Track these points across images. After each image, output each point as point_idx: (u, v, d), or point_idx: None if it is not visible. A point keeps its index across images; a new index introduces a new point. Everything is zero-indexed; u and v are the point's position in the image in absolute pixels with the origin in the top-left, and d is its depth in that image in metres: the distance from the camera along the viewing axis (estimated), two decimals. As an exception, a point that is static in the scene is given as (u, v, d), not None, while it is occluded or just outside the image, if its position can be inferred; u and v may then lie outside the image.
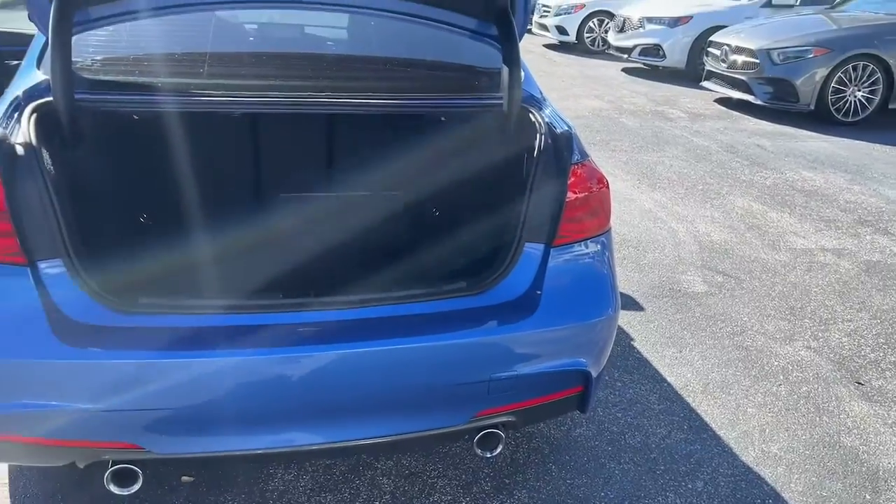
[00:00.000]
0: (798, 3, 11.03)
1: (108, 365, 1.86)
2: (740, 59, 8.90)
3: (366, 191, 3.15)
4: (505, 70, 2.39)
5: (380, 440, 2.14)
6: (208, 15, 2.52)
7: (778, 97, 8.61)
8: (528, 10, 2.51)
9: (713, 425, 2.99)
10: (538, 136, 2.26)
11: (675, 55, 11.15)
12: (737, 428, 2.99)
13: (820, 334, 3.77)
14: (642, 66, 12.14)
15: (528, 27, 3.14)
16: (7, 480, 2.47)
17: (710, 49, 9.75)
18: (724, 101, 9.64)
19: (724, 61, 9.21)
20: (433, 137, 3.20)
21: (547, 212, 2.19)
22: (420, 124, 2.98)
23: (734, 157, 7.01)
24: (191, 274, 2.50)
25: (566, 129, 2.28)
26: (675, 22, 11.14)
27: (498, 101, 2.45)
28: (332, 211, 3.03)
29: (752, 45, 8.77)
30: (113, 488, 2.01)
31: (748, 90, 8.86)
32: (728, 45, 9.17)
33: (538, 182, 2.19)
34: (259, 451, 2.07)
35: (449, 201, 3.09)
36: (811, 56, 8.33)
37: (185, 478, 2.52)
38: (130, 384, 1.88)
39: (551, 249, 2.20)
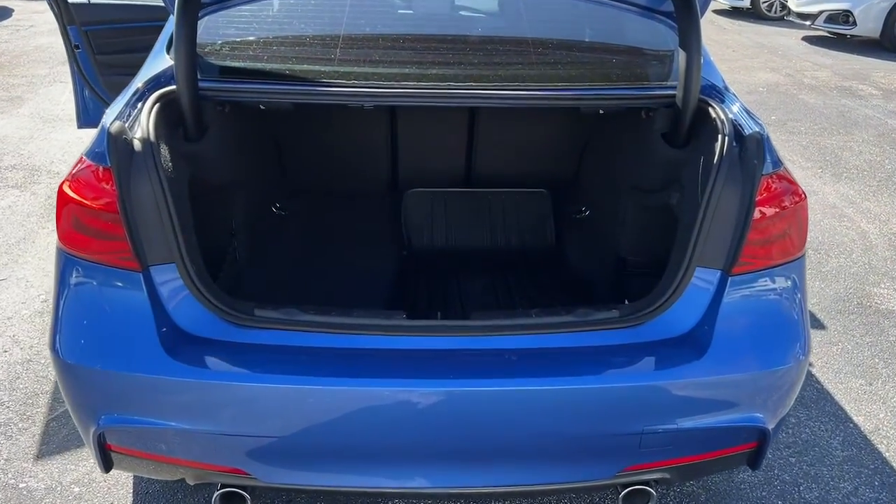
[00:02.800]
0: None
1: (216, 385, 1.70)
2: (952, 27, 7.69)
3: (507, 187, 2.85)
4: (681, 55, 1.99)
5: (511, 489, 1.87)
6: None
7: None
8: (714, -18, 2.08)
9: (913, 485, 2.48)
10: (720, 137, 1.86)
11: (868, 23, 9.86)
12: (945, 491, 2.46)
13: None
14: (827, 34, 10.88)
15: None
16: (132, 474, 2.43)
17: (913, 15, 8.51)
18: (927, 76, 8.43)
19: (930, 30, 8.01)
20: (588, 128, 2.84)
21: (727, 231, 1.80)
22: (574, 118, 2.63)
23: (940, 144, 6.05)
24: (311, 285, 2.33)
25: (756, 130, 1.86)
26: (871, -16, 9.84)
27: (670, 92, 2.06)
28: (467, 210, 2.76)
29: (969, 12, 7.54)
30: (221, 511, 1.88)
31: (959, 64, 7.65)
32: (937, 10, 7.96)
33: (717, 194, 1.79)
34: (370, 490, 1.86)
35: (601, 201, 2.73)
36: None
37: (303, 489, 2.38)
38: (238, 407, 1.72)
39: (729, 278, 1.81)
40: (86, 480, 2.40)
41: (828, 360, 3.14)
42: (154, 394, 1.72)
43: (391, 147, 2.84)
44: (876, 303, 3.62)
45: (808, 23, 10.65)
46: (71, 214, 1.77)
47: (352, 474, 1.81)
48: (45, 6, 11.21)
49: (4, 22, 10.05)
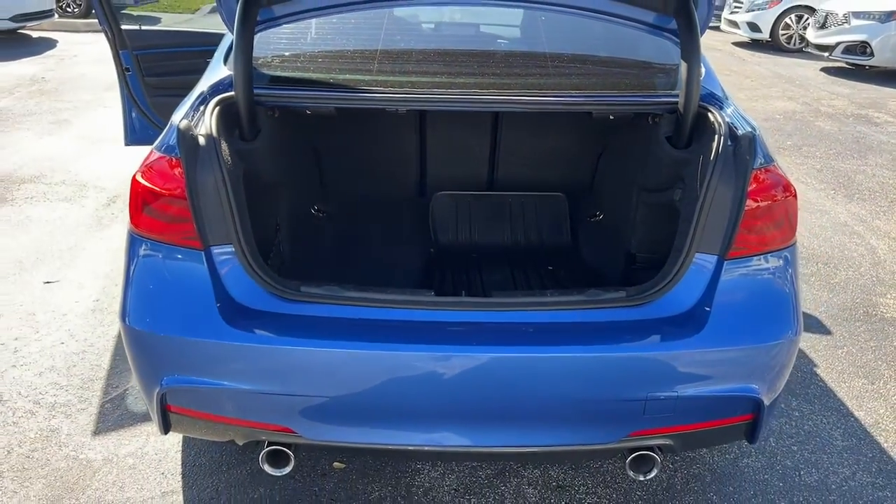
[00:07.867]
0: None
1: (268, 349, 1.93)
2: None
3: (527, 191, 3.10)
4: (683, 66, 2.22)
5: (525, 450, 2.08)
6: (381, 12, 2.56)
7: None
8: (712, 3, 2.32)
9: (909, 472, 2.63)
10: (716, 137, 2.07)
11: (886, 53, 10.05)
12: (939, 478, 2.60)
13: None
14: (845, 65, 11.08)
15: (716, 24, 2.88)
16: (181, 448, 2.66)
17: (928, 46, 8.69)
18: (944, 105, 8.56)
19: (945, 60, 8.18)
20: (602, 137, 3.07)
21: (722, 220, 2.01)
22: (588, 123, 2.86)
23: (952, 168, 6.19)
24: (350, 267, 2.56)
25: (749, 130, 2.07)
26: (888, 16, 10.03)
27: (673, 99, 2.29)
28: (489, 212, 3.00)
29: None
30: (267, 468, 2.09)
31: (974, 92, 7.80)
32: (952, 41, 8.13)
33: (714, 187, 2.00)
34: (406, 448, 2.07)
35: (614, 204, 2.95)
36: None
37: (337, 464, 2.59)
38: (287, 370, 1.94)
39: (725, 262, 2.01)
40: (139, 453, 2.62)
41: (832, 363, 3.30)
42: (211, 357, 1.95)
43: (420, 154, 3.10)
44: (882, 311, 3.77)
45: (826, 54, 10.85)
46: (142, 200, 2.03)
47: (386, 432, 2.03)
48: (87, 38, 11.78)
49: (50, 52, 10.55)
